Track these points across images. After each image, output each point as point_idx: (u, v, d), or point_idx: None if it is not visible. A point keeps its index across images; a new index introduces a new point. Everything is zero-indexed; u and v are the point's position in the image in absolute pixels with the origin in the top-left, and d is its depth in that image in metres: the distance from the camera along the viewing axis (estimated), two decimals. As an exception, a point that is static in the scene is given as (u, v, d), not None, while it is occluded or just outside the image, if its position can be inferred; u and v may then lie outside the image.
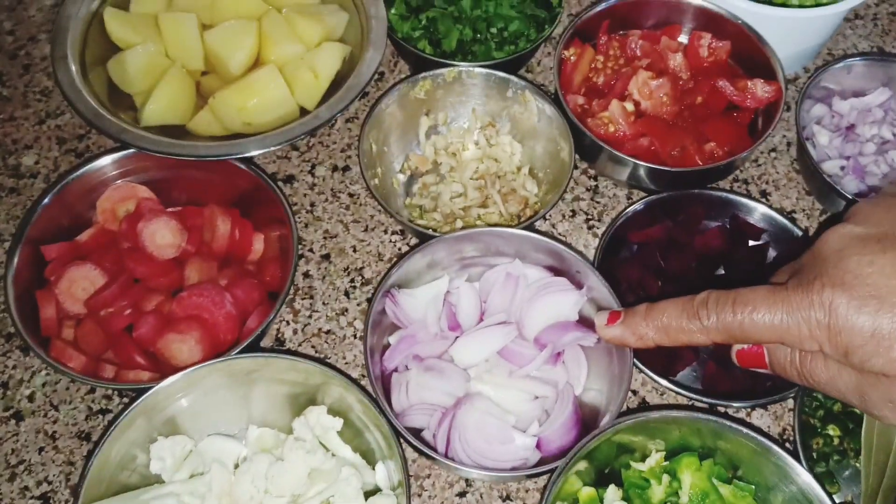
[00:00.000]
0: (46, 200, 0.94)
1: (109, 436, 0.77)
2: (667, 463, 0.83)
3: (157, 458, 0.82)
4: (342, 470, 0.80)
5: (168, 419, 0.83)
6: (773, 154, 1.12)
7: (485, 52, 1.11)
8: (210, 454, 0.83)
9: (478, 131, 1.10)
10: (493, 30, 1.12)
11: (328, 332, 0.98)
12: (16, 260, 0.90)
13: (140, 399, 0.79)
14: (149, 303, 0.91)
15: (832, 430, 0.90)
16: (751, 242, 1.01)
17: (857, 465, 0.88)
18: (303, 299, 1.00)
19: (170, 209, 0.99)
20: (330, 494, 0.79)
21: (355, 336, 0.97)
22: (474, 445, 0.83)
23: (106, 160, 0.98)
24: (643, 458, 0.84)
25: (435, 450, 0.82)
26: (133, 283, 0.92)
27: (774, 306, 0.68)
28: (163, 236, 0.94)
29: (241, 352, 0.85)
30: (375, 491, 0.82)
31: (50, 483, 0.88)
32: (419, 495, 0.88)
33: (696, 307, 0.73)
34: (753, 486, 0.82)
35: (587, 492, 0.82)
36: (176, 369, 0.81)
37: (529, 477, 0.84)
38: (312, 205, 1.07)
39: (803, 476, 0.78)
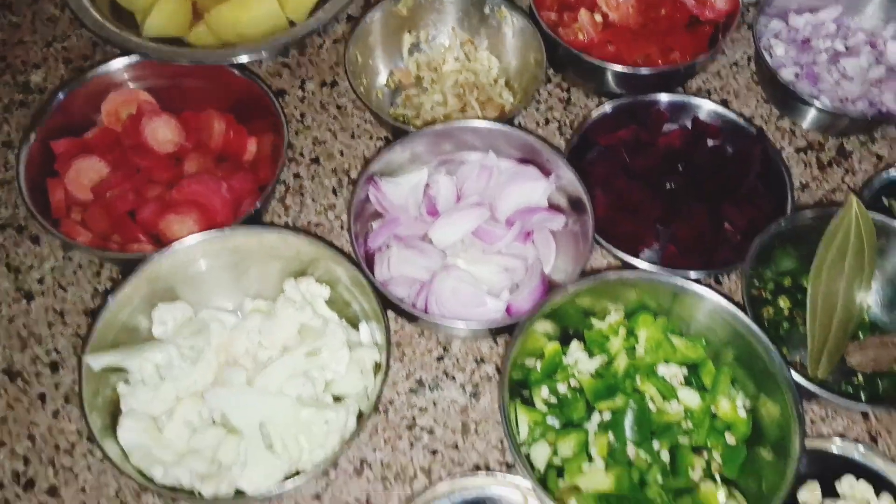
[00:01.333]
0: (55, 102, 1.02)
1: (115, 296, 0.85)
2: (626, 322, 0.91)
3: (160, 321, 0.89)
4: (329, 325, 0.87)
5: (169, 289, 0.90)
6: (734, 68, 1.20)
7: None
8: (209, 320, 0.90)
9: (458, 48, 1.18)
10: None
11: (318, 224, 1.05)
12: (27, 152, 0.98)
13: (144, 263, 0.86)
14: (150, 192, 0.99)
15: (782, 302, 0.97)
16: (710, 142, 1.08)
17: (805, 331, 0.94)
18: (293, 196, 1.07)
19: (170, 114, 1.07)
20: (317, 346, 0.86)
21: (342, 227, 1.05)
22: (450, 308, 0.91)
23: (111, 66, 1.05)
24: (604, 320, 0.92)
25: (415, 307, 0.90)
26: (136, 173, 1.00)
27: None
28: (163, 133, 1.02)
29: (236, 228, 0.92)
30: (359, 348, 0.89)
31: (59, 353, 0.95)
32: (401, 360, 0.95)
33: None
34: (704, 339, 0.89)
35: (552, 346, 0.89)
36: (177, 246, 0.89)
37: (499, 332, 0.91)
38: (302, 115, 1.14)
39: (753, 329, 0.85)
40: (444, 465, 0.89)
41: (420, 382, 0.94)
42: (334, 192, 1.08)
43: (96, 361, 0.81)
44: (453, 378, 0.94)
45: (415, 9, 1.15)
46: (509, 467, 0.89)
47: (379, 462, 0.89)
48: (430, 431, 0.91)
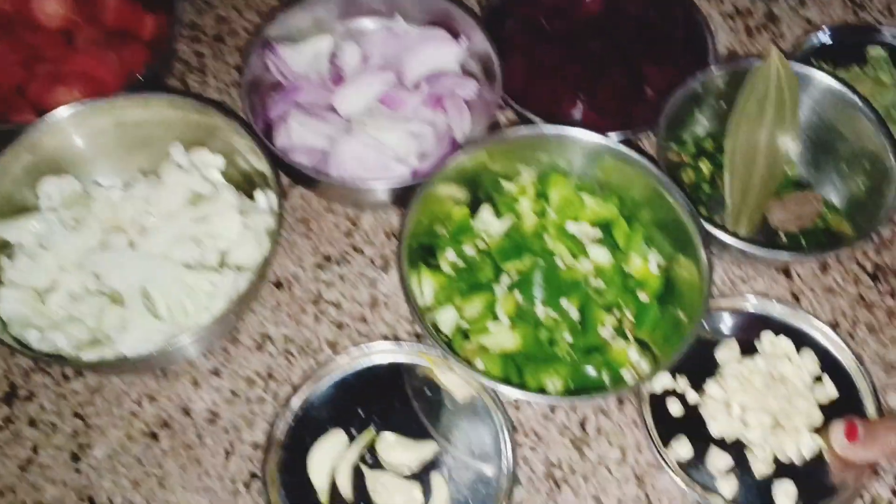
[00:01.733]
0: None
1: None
2: (537, 183, 0.87)
3: (45, 195, 0.84)
4: (220, 191, 0.83)
5: (55, 164, 0.85)
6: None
7: None
8: (94, 192, 0.85)
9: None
10: None
11: (220, 102, 1.00)
12: None
13: (24, 131, 0.81)
14: (40, 68, 0.93)
15: (704, 166, 0.94)
16: (632, 6, 1.03)
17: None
18: (194, 74, 1.02)
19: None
20: (207, 212, 0.81)
21: (248, 105, 1.00)
22: (353, 174, 0.86)
23: (-7, -61, 0.98)
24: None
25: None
26: (25, 47, 0.94)
27: None
28: (51, 7, 0.96)
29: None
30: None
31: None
32: (307, 236, 0.91)
33: None
34: (618, 198, 0.86)
35: (460, 210, 0.85)
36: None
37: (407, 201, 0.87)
38: (207, -8, 1.09)
39: (664, 181, 0.81)
40: (351, 337, 0.85)
41: (327, 257, 0.90)
42: (239, 69, 1.02)
43: (-30, 233, 0.77)
44: (362, 252, 0.90)
45: None
46: (419, 337, 0.85)
47: (282, 336, 0.85)
48: (337, 305, 0.87)
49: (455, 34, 0.95)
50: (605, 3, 1.02)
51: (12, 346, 0.72)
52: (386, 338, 0.85)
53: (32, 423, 0.80)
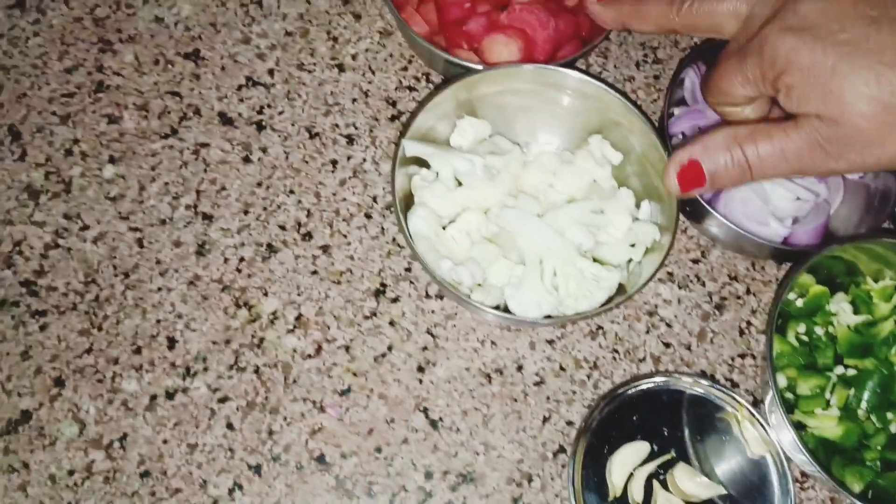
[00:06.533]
0: None
1: (441, 93, 0.87)
2: (897, 293, 0.90)
3: (461, 132, 0.92)
4: (620, 190, 0.89)
5: (470, 104, 0.92)
6: None
7: None
8: (503, 146, 0.93)
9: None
10: None
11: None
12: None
13: (464, 76, 0.88)
14: (481, 7, 1.00)
15: None
16: None
17: None
18: (596, 55, 1.07)
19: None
20: (603, 206, 0.88)
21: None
22: (734, 215, 0.91)
23: None
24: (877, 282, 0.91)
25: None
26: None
27: None
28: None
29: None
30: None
31: (356, 128, 1.00)
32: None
33: None
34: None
35: (819, 288, 0.89)
36: (494, 67, 0.91)
37: (763, 254, 0.91)
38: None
39: None
40: (674, 360, 0.92)
41: (671, 276, 0.96)
42: (637, 65, 1.07)
43: (410, 148, 0.86)
44: (703, 284, 0.96)
45: None
46: (733, 384, 0.91)
47: (614, 334, 0.93)
48: (669, 324, 0.94)
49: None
50: None
51: (423, 263, 0.80)
52: (703, 373, 0.91)
53: (392, 323, 0.91)
